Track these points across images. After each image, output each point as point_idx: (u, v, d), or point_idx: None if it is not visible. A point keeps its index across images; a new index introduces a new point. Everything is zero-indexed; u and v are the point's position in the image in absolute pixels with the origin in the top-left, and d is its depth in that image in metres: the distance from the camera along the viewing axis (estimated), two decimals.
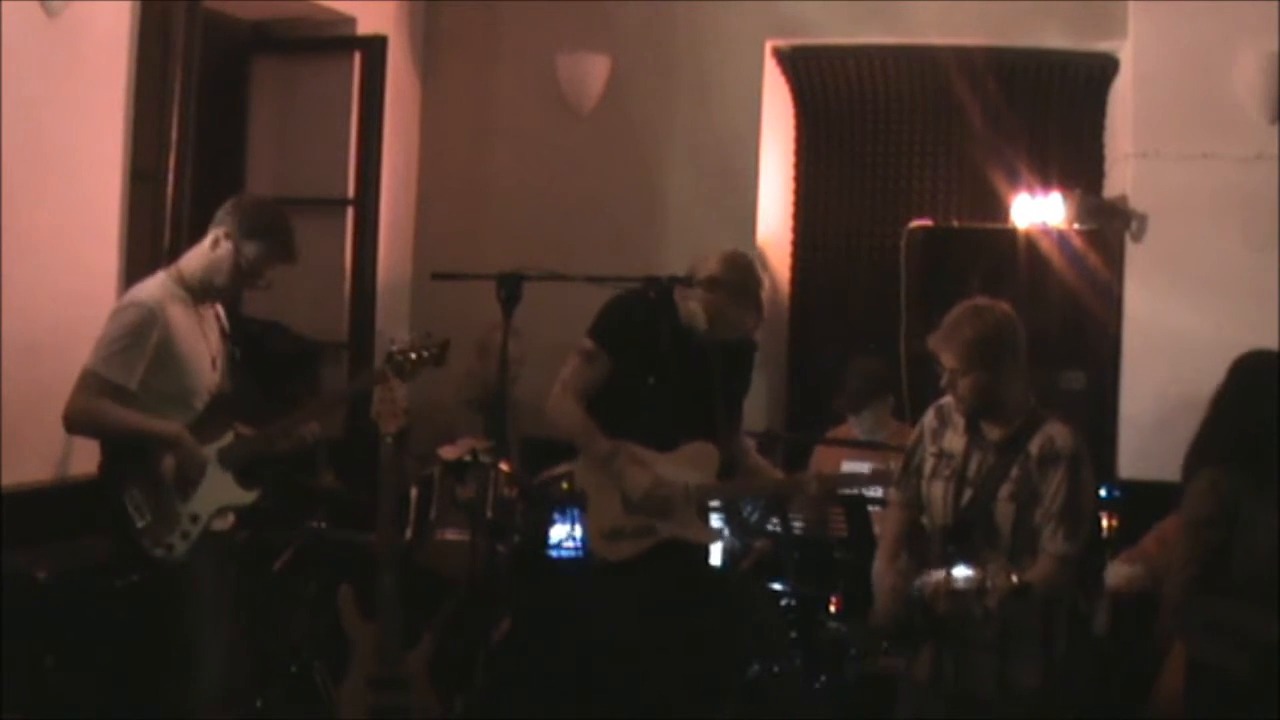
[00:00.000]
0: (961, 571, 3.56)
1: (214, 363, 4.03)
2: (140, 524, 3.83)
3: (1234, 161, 5.64)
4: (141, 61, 4.94)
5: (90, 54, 4.77)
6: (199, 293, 4.00)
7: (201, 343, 3.99)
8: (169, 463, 3.87)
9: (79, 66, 4.71)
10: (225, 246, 3.96)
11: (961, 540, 3.71)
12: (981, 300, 3.85)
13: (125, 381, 3.83)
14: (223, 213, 4.00)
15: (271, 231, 4.00)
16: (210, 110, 5.56)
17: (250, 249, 3.96)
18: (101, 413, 3.84)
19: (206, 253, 3.99)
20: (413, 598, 4.64)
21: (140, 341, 3.84)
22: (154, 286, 3.97)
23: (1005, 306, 3.83)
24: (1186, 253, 5.69)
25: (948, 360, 3.77)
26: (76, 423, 3.90)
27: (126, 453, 3.87)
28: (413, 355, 4.26)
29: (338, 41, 6.33)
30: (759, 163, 6.46)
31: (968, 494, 3.75)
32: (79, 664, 4.09)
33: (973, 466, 3.77)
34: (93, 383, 3.83)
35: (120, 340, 3.85)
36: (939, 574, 3.61)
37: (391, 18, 6.48)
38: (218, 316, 4.13)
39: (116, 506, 3.83)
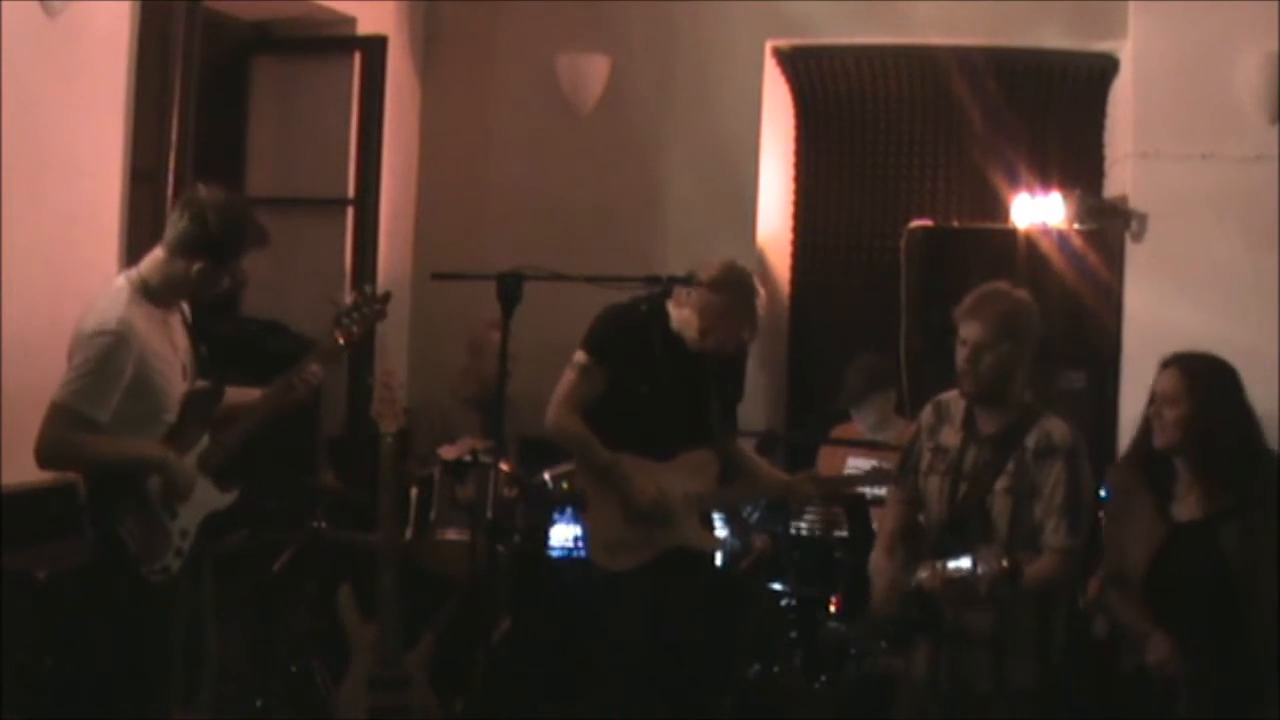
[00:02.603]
0: (954, 562, 3.58)
1: (184, 371, 3.87)
2: (135, 550, 3.71)
3: (1234, 161, 5.64)
4: (141, 61, 4.94)
5: (90, 54, 4.76)
6: (167, 299, 3.82)
7: (171, 354, 3.82)
8: (155, 482, 3.75)
9: (79, 66, 4.71)
10: (200, 272, 3.76)
11: (957, 534, 3.71)
12: (1001, 284, 3.87)
13: (97, 415, 3.64)
14: (181, 227, 3.77)
15: (240, 236, 3.80)
16: (210, 110, 5.56)
17: (227, 263, 3.80)
18: (78, 445, 3.66)
19: (180, 275, 3.77)
20: (413, 598, 4.64)
21: (112, 373, 3.64)
22: (120, 305, 3.73)
23: (1023, 292, 3.87)
24: (1186, 253, 5.69)
25: (975, 333, 3.74)
26: (51, 458, 3.73)
27: (111, 481, 3.73)
28: (355, 315, 4.14)
29: (338, 41, 6.33)
30: (759, 163, 6.47)
31: (963, 488, 3.76)
32: (79, 664, 4.07)
33: (968, 461, 3.78)
34: (63, 416, 3.64)
35: (92, 373, 3.64)
36: (933, 565, 3.64)
37: (391, 18, 6.48)
38: (181, 313, 3.94)
39: (111, 538, 3.70)
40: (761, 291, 4.53)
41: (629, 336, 4.48)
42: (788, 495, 4.75)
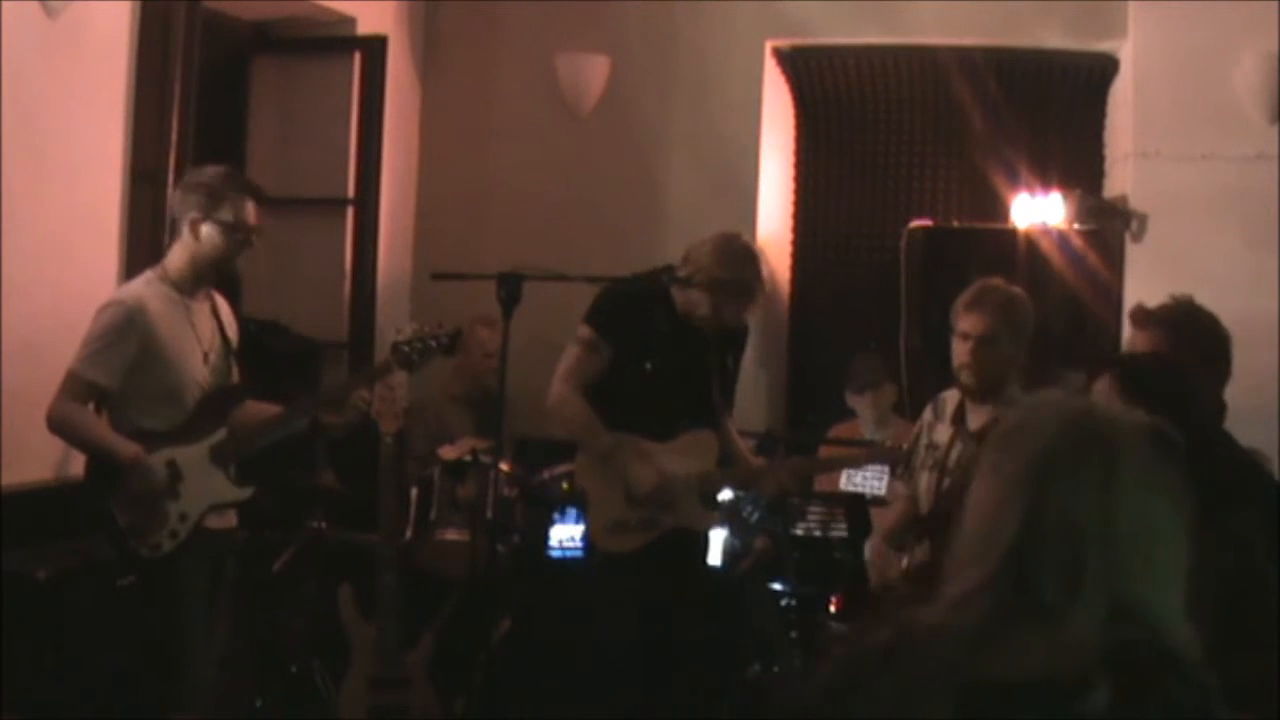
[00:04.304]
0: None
1: (206, 357, 3.97)
2: (125, 524, 3.79)
3: (1234, 161, 5.64)
4: (141, 61, 4.94)
5: (90, 54, 4.76)
6: (190, 285, 3.96)
7: (190, 338, 3.93)
8: (159, 460, 3.84)
9: (79, 66, 4.71)
10: (206, 229, 3.89)
11: (940, 528, 3.72)
12: (995, 280, 3.88)
13: (106, 381, 3.81)
14: (178, 203, 3.96)
15: (227, 186, 3.95)
16: (210, 110, 5.56)
17: (224, 213, 3.90)
18: (73, 421, 3.82)
19: (191, 245, 3.92)
20: (413, 598, 4.64)
21: (120, 341, 3.80)
22: (138, 285, 3.94)
23: (1017, 288, 3.87)
24: (1186, 253, 5.69)
25: (978, 325, 3.73)
26: (54, 426, 3.87)
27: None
28: (420, 345, 4.17)
29: (338, 41, 6.33)
30: (759, 163, 6.47)
31: (947, 483, 3.78)
32: (79, 664, 4.08)
33: (954, 456, 3.79)
34: (73, 384, 3.81)
35: (100, 340, 3.81)
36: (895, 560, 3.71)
37: (391, 18, 6.48)
38: (215, 309, 4.06)
39: (102, 506, 3.80)
40: (762, 257, 4.52)
41: (633, 313, 4.45)
42: (792, 478, 4.74)
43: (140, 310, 3.84)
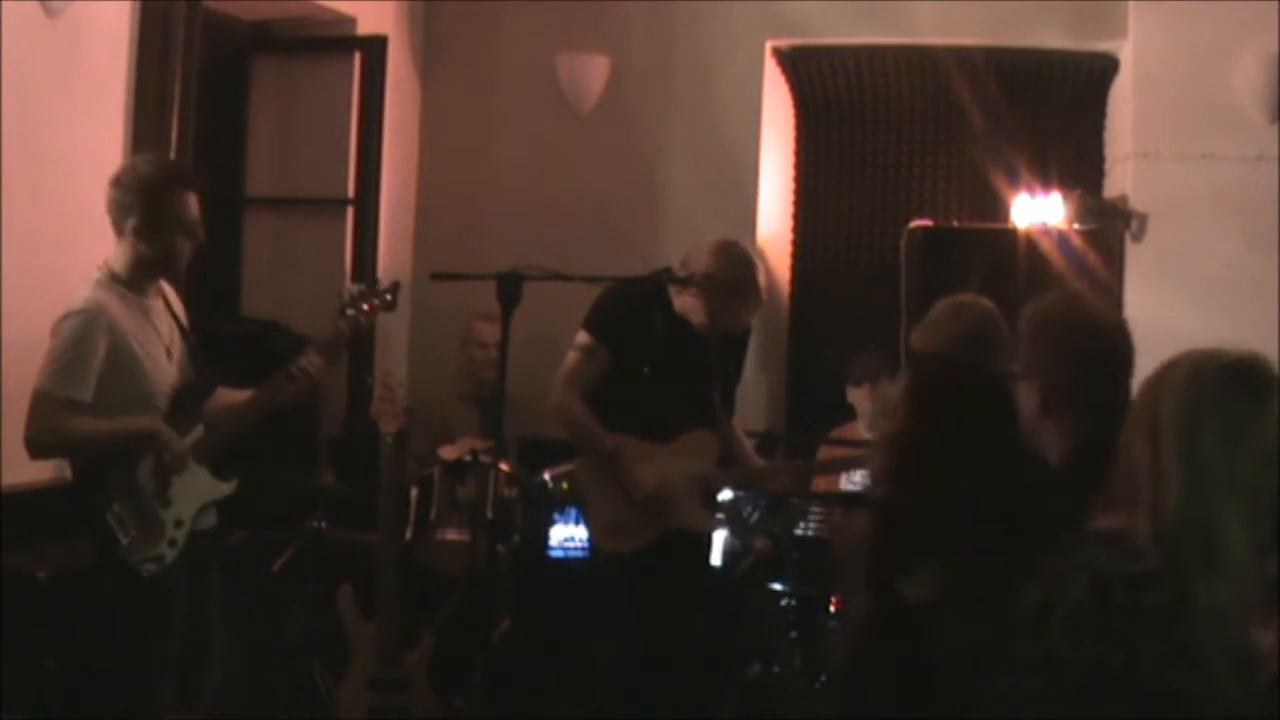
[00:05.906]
0: None
1: (169, 353, 3.87)
2: (126, 541, 3.70)
3: (1234, 161, 5.64)
4: (141, 61, 4.94)
5: (90, 54, 4.77)
6: (142, 285, 3.81)
7: (153, 337, 3.82)
8: (146, 466, 3.73)
9: (79, 66, 4.71)
10: (148, 232, 3.75)
11: None
12: (964, 296, 3.85)
13: (79, 395, 3.65)
14: (115, 205, 3.79)
15: (165, 182, 3.79)
16: (210, 110, 5.56)
17: (166, 213, 3.75)
18: (66, 429, 3.66)
19: (134, 248, 3.77)
20: (413, 598, 4.65)
21: (86, 350, 3.66)
22: (93, 291, 3.76)
23: (986, 302, 3.84)
24: (1186, 253, 5.69)
25: None
26: (41, 445, 3.73)
27: (100, 469, 3.73)
28: (364, 306, 4.13)
29: (338, 41, 6.33)
30: (759, 163, 6.47)
31: None
32: (79, 664, 4.08)
33: None
34: (46, 404, 3.65)
35: (67, 353, 3.66)
36: None
37: (391, 18, 6.48)
38: (168, 304, 3.94)
39: (101, 527, 3.69)
40: (760, 264, 4.52)
41: (631, 317, 4.45)
42: (793, 479, 4.75)
43: (103, 315, 3.70)
